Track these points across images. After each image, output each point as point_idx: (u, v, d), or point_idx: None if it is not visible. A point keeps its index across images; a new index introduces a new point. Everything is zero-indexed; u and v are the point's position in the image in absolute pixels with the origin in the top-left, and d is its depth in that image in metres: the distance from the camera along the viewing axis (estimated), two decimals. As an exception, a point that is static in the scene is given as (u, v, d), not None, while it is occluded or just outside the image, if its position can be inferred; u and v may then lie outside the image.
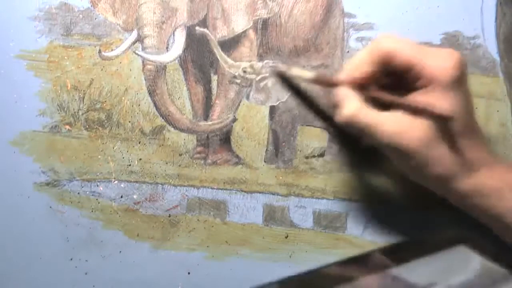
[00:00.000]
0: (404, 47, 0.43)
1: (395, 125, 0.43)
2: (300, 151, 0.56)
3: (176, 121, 0.55)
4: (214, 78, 0.57)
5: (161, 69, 0.55)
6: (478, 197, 0.45)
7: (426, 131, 0.42)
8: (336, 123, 0.45)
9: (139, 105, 0.55)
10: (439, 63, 0.42)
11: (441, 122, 0.42)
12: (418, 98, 0.43)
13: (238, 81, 0.56)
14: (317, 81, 0.48)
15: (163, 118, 0.55)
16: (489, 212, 0.45)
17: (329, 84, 0.47)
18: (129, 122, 0.55)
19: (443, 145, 0.43)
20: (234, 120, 0.56)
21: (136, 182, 0.55)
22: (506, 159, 0.55)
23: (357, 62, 0.45)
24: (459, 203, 0.47)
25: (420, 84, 0.43)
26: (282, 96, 0.56)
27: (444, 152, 0.43)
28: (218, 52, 0.55)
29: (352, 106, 0.44)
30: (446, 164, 0.43)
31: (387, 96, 0.44)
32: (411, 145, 0.42)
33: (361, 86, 0.45)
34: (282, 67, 0.52)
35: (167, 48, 0.55)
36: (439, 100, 0.42)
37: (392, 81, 0.46)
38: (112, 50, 0.55)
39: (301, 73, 0.49)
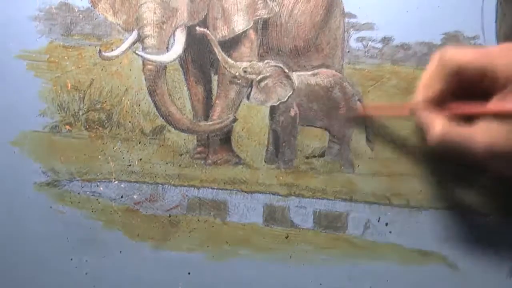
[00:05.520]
0: (471, 56, 0.43)
1: (489, 134, 0.42)
2: (301, 151, 0.56)
3: (177, 121, 0.55)
4: (215, 78, 0.57)
5: (162, 69, 0.55)
6: None
7: None
8: (425, 148, 0.45)
9: (139, 105, 0.55)
10: (509, 62, 0.42)
11: None
12: (499, 102, 0.43)
13: (239, 81, 0.56)
14: (395, 111, 0.49)
15: (163, 118, 0.55)
16: None
17: (407, 111, 0.47)
18: (129, 122, 0.55)
19: None
20: (235, 120, 0.56)
21: (136, 182, 0.55)
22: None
23: (428, 81, 0.45)
24: None
25: (495, 88, 0.43)
26: (282, 96, 0.56)
27: None
28: (219, 52, 0.55)
29: (440, 126, 0.44)
30: None
31: (469, 109, 0.44)
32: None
33: (438, 104, 0.45)
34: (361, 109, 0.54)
35: (167, 48, 0.55)
36: None
37: (462, 92, 0.45)
38: (112, 50, 0.55)
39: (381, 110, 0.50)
